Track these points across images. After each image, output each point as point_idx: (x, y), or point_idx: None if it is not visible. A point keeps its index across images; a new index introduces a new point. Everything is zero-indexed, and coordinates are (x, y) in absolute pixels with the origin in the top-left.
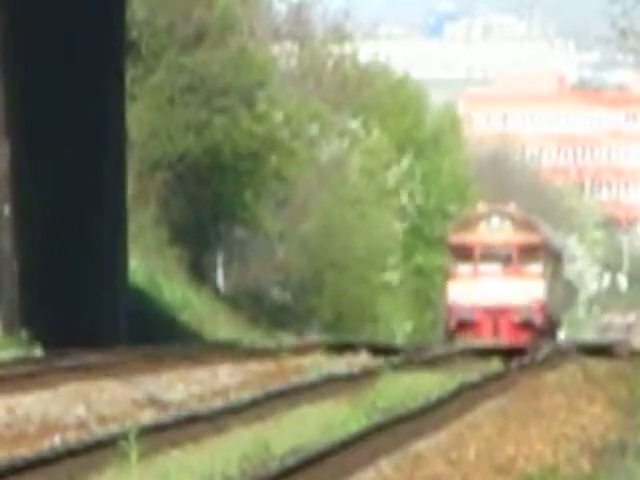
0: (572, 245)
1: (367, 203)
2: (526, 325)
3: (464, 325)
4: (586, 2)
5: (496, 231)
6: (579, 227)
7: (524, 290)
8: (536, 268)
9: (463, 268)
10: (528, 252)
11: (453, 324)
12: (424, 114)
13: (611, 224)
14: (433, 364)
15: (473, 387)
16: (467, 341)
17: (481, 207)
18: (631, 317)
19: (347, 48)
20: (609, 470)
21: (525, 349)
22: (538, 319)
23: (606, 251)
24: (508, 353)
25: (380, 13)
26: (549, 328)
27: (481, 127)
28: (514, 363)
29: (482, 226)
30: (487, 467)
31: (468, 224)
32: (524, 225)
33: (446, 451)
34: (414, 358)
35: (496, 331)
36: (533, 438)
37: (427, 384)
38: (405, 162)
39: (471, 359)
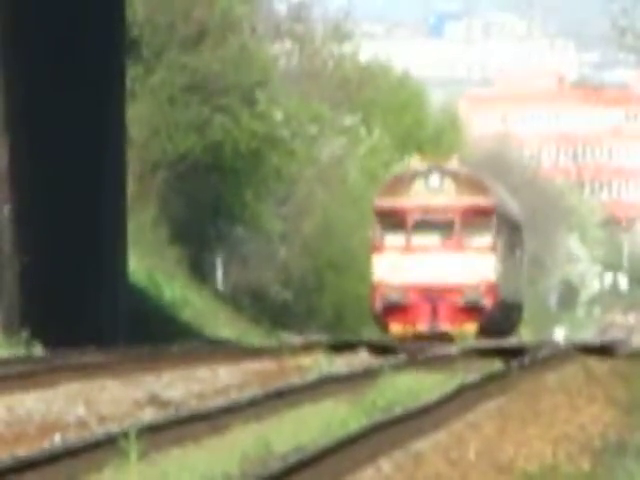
0: (573, 245)
1: (367, 203)
2: (472, 310)
3: (394, 309)
4: (586, 1)
5: (435, 193)
6: (580, 227)
7: (469, 267)
8: (485, 240)
9: (392, 239)
10: (475, 219)
11: (379, 308)
12: (425, 114)
13: (612, 223)
14: (433, 363)
15: (473, 387)
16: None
17: (416, 162)
18: (632, 317)
19: (347, 47)
20: (609, 469)
21: (525, 349)
22: (488, 303)
23: (607, 251)
24: (508, 353)
25: (380, 12)
26: (504, 316)
27: (481, 126)
28: (514, 363)
29: (417, 186)
30: (487, 466)
31: (399, 184)
32: (471, 185)
33: (446, 451)
34: (414, 357)
35: (435, 317)
36: (533, 438)
37: (427, 383)
38: (406, 162)
39: (471, 359)
